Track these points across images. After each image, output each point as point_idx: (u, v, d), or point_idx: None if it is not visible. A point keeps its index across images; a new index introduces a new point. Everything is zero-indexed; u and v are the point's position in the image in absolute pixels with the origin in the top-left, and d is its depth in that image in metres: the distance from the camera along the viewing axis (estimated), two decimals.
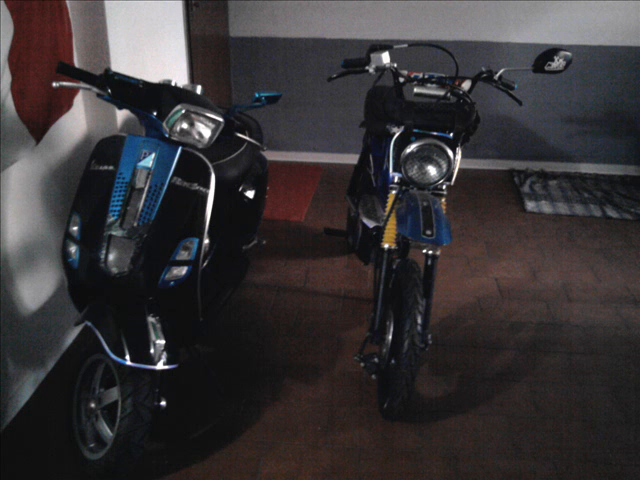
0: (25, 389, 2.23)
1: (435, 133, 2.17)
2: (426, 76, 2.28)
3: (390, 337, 2.15)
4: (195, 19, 3.61)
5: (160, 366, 1.76)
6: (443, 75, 2.29)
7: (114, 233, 1.78)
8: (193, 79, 3.59)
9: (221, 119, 1.89)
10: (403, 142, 2.19)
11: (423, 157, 2.16)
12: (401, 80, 2.29)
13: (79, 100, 2.41)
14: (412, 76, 2.29)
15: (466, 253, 3.44)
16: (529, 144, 4.69)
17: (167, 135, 1.86)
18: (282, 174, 4.44)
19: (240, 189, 2.63)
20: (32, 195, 2.19)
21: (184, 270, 1.87)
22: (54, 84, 1.80)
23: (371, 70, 2.26)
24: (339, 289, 3.06)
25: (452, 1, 4.24)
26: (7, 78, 1.89)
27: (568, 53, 2.22)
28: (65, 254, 1.85)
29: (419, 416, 2.24)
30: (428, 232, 1.95)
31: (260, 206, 2.83)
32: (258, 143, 2.43)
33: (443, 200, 2.22)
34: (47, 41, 2.04)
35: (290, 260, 3.31)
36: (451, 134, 2.16)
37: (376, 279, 2.34)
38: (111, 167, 1.85)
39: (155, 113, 1.85)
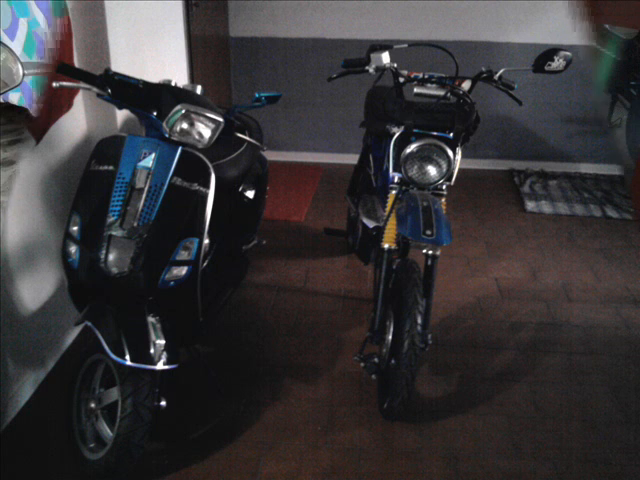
0: (25, 389, 2.23)
1: (435, 133, 2.17)
2: (426, 76, 2.27)
3: (390, 337, 2.15)
4: (195, 19, 3.61)
5: (160, 366, 1.75)
6: (443, 75, 2.29)
7: (114, 233, 1.78)
8: (193, 79, 3.59)
9: (221, 119, 1.89)
10: (403, 142, 2.19)
11: (423, 157, 2.16)
12: (401, 80, 2.29)
13: (79, 100, 2.41)
14: (412, 76, 2.29)
15: (466, 253, 3.44)
16: (529, 144, 4.69)
17: (167, 135, 1.86)
18: (282, 174, 4.44)
19: (240, 189, 2.63)
20: (32, 195, 2.19)
21: (184, 270, 1.87)
22: (54, 84, 1.79)
23: (371, 70, 2.26)
24: (339, 289, 3.06)
25: (452, 1, 4.24)
26: None
27: (568, 53, 2.22)
28: (65, 254, 1.85)
29: (419, 416, 2.24)
30: (428, 232, 1.95)
31: (260, 206, 2.82)
32: (258, 143, 2.43)
33: (443, 200, 2.22)
34: None
35: (290, 260, 3.31)
36: (451, 134, 2.16)
37: (376, 279, 2.34)
38: (111, 167, 1.85)
39: (155, 113, 1.85)
